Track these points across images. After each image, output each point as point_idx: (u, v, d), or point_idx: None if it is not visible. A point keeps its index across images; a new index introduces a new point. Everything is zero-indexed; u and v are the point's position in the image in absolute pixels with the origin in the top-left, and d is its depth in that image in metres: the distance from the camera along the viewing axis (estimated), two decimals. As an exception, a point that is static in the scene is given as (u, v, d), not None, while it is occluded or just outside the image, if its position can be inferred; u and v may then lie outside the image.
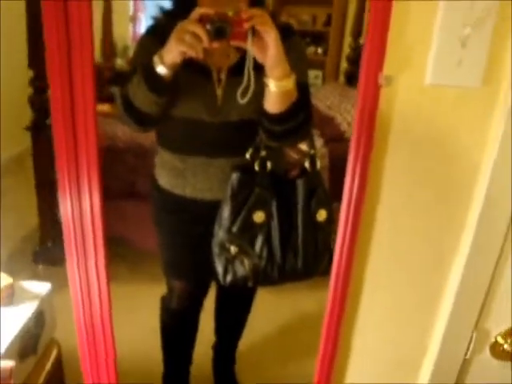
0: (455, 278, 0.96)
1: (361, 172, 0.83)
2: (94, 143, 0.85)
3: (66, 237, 0.92)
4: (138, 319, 1.78)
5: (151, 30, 1.17)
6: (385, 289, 1.00)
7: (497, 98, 0.83)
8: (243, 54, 1.03)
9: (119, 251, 1.98)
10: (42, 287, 1.37)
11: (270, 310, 1.96)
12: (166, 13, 1.16)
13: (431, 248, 0.95)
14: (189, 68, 1.06)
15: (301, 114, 1.09)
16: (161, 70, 1.00)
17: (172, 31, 0.99)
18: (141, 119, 1.11)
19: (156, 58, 1.01)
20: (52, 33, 0.77)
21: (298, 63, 1.06)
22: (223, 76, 1.14)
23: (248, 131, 1.15)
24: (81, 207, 0.90)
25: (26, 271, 1.96)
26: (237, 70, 1.08)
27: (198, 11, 0.94)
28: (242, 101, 0.99)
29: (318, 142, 2.05)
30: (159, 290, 1.48)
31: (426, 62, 0.81)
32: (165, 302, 1.49)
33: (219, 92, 1.13)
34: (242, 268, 1.18)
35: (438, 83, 0.82)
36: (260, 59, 0.97)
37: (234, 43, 0.95)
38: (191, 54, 0.96)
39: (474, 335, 1.00)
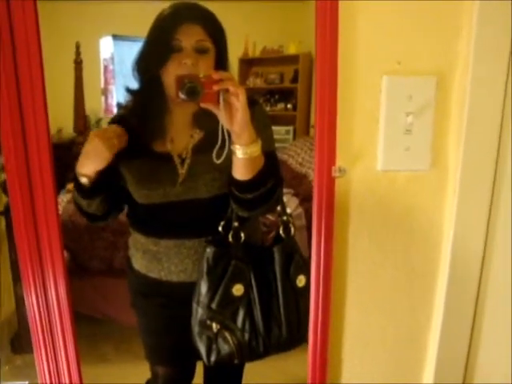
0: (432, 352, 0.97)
1: (324, 262, 0.84)
2: (57, 236, 0.88)
3: (33, 331, 0.91)
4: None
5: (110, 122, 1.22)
6: (362, 365, 1.01)
7: (446, 177, 0.88)
8: (206, 132, 1.06)
9: (104, 330, 1.93)
10: (18, 387, 1.32)
11: (260, 376, 1.91)
12: (132, 92, 1.20)
13: (403, 325, 0.97)
14: (147, 157, 1.10)
15: (270, 181, 1.10)
16: (80, 178, 1.07)
17: (129, 123, 1.07)
18: (89, 217, 1.19)
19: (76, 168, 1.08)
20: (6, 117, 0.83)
21: (263, 130, 1.08)
22: (187, 155, 1.16)
23: (218, 209, 1.16)
24: (46, 298, 0.89)
25: (5, 361, 1.88)
26: (201, 148, 1.11)
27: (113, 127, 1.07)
28: (218, 161, 1.01)
29: (293, 202, 2.08)
30: (147, 369, 1.42)
31: (375, 151, 0.85)
32: (149, 388, 1.45)
33: (182, 171, 1.15)
34: (226, 345, 1.16)
35: (388, 169, 0.87)
36: (227, 125, 0.99)
37: (204, 105, 0.98)
38: (98, 167, 1.04)
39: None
